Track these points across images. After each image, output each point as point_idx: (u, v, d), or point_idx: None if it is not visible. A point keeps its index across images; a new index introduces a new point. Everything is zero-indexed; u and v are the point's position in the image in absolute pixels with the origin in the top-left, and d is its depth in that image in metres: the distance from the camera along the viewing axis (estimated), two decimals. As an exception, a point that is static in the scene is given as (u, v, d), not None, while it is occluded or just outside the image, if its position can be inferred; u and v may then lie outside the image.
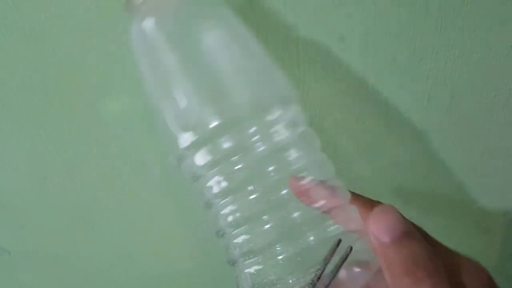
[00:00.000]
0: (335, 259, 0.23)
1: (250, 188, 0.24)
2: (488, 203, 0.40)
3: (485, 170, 0.38)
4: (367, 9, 0.31)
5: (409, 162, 0.38)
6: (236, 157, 0.24)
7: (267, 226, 0.24)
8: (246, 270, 0.24)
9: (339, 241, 0.23)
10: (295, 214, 0.24)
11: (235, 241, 0.25)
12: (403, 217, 0.22)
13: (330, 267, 0.22)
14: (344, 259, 0.22)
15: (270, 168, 0.24)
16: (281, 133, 0.25)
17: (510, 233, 0.41)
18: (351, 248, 0.22)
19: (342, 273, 0.22)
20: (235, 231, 0.25)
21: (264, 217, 0.24)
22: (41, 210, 0.37)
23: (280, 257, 0.24)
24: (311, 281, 0.22)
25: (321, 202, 0.24)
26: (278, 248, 0.24)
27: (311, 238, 0.24)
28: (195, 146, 0.25)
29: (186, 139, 0.24)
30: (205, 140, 0.24)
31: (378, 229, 0.21)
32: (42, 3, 0.30)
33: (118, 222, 0.38)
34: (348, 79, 0.34)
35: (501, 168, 0.38)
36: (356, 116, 0.35)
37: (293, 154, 0.25)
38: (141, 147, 0.35)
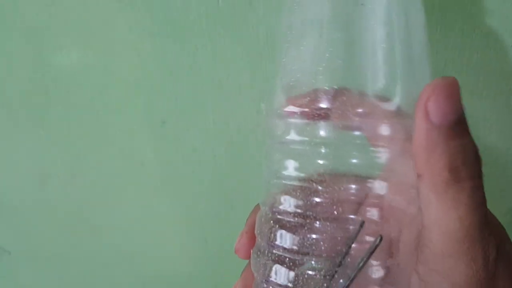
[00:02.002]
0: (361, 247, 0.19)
1: (318, 187, 0.21)
2: (488, 203, 0.40)
3: (485, 171, 0.38)
4: (367, 9, 0.31)
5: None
6: (324, 150, 0.21)
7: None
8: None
9: (363, 222, 0.19)
10: None
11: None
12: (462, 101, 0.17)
13: (354, 258, 0.19)
14: (372, 251, 0.19)
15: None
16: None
17: (510, 233, 0.41)
18: (381, 238, 0.19)
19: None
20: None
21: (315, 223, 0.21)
22: (41, 210, 0.37)
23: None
24: (330, 272, 0.19)
25: None
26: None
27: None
28: (292, 118, 0.21)
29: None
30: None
31: (433, 106, 0.17)
32: (42, 3, 0.30)
33: (118, 222, 0.38)
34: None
35: (500, 168, 0.38)
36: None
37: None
38: (141, 147, 0.35)
